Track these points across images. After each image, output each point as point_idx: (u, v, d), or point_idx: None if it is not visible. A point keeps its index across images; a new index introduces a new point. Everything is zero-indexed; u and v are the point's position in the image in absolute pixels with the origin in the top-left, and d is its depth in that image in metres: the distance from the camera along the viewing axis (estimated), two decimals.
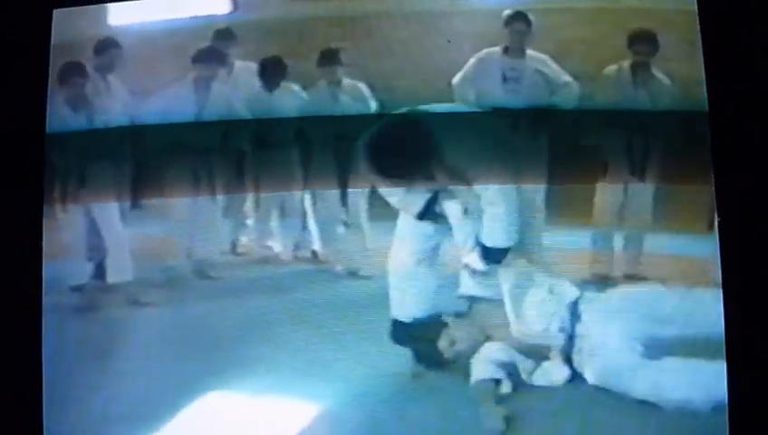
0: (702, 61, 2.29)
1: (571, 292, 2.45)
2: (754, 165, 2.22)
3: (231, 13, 2.62)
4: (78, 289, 2.52)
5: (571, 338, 2.43)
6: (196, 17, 2.61)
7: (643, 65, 2.59)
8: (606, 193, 2.62)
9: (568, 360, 2.42)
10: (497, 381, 2.39)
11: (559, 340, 2.43)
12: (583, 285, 2.50)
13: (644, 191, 2.62)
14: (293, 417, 2.32)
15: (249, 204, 2.74)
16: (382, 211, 2.57)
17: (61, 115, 2.50)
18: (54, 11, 2.44)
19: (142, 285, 2.53)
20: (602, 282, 2.55)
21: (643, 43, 2.55)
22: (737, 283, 2.17)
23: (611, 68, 2.60)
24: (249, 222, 2.76)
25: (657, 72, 2.58)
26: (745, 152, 2.22)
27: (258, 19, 2.65)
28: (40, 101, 2.39)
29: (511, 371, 2.41)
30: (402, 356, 2.44)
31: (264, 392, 2.34)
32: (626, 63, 2.60)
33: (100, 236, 2.63)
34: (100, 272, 2.63)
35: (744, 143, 2.22)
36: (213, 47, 2.64)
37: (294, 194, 2.74)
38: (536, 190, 2.63)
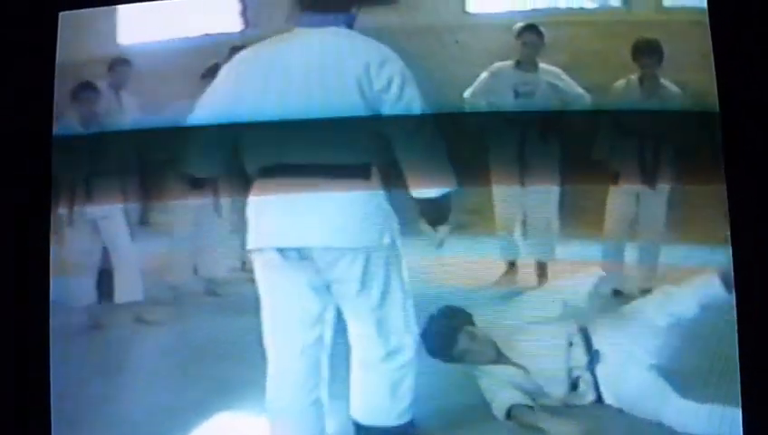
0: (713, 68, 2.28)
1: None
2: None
3: (242, 30, 2.62)
4: (85, 308, 2.50)
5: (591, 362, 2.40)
6: (207, 35, 2.61)
7: (650, 77, 2.57)
8: (618, 203, 2.59)
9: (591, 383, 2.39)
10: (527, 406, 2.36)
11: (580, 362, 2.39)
12: (596, 298, 2.47)
13: (657, 201, 2.60)
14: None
15: None
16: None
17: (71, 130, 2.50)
18: (60, 14, 2.44)
19: (151, 304, 2.51)
20: (616, 296, 2.52)
21: (647, 54, 2.55)
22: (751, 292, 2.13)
23: (620, 82, 2.59)
24: None
25: (667, 82, 2.58)
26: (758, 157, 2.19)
27: (268, 35, 2.64)
28: (47, 107, 2.38)
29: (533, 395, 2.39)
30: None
31: None
32: (634, 76, 2.59)
33: (107, 254, 2.62)
34: (108, 290, 2.61)
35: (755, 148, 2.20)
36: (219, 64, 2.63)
37: None
38: (548, 201, 2.61)
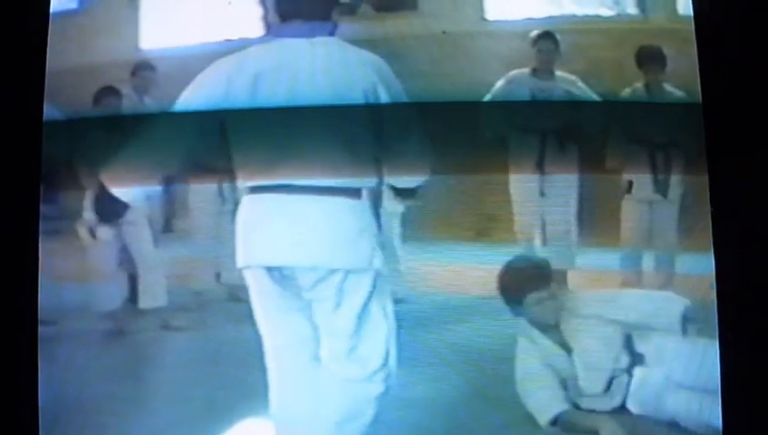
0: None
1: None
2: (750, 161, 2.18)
3: (264, 36, 2.62)
4: (109, 314, 2.49)
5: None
6: (230, 41, 2.61)
7: (655, 83, 2.60)
8: (632, 212, 2.59)
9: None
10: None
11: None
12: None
13: (669, 208, 2.59)
14: None
15: None
16: (416, 233, 2.55)
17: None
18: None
19: (175, 310, 2.50)
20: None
21: (649, 60, 2.57)
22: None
23: (626, 91, 2.61)
24: None
25: (671, 88, 2.58)
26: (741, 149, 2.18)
27: None
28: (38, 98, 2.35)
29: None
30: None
31: None
32: (639, 84, 2.61)
33: (132, 260, 2.61)
34: (132, 296, 2.60)
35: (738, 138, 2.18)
36: None
37: None
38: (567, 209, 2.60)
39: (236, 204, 2.59)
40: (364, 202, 2.16)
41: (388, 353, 2.18)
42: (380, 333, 2.16)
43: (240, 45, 2.61)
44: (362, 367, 2.15)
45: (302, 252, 2.11)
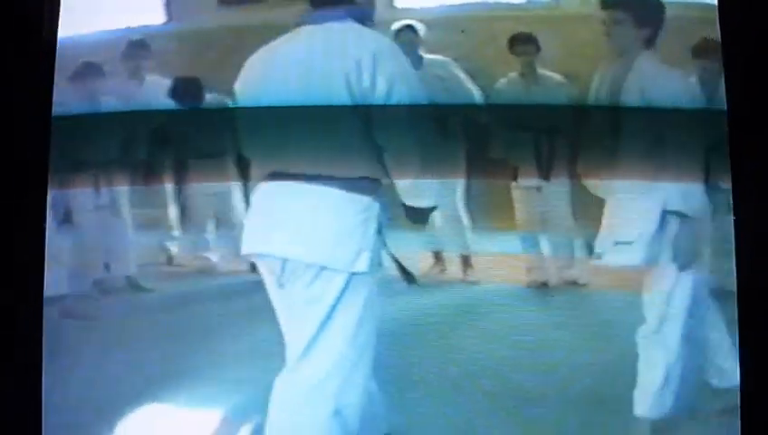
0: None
1: None
2: None
3: (165, 24, 2.59)
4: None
5: None
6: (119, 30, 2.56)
7: (528, 67, 2.61)
8: (521, 198, 2.63)
9: None
10: None
11: None
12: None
13: (558, 194, 2.62)
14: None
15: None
16: None
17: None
18: None
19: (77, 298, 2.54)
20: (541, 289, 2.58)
21: (521, 44, 2.58)
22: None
23: (502, 81, 2.61)
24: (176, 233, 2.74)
25: (547, 72, 2.60)
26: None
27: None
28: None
29: None
30: None
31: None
32: (514, 73, 2.61)
33: None
34: None
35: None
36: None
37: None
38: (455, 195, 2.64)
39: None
40: (364, 198, 2.13)
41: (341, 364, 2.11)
42: (338, 342, 2.09)
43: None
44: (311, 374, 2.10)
45: (281, 242, 2.09)
